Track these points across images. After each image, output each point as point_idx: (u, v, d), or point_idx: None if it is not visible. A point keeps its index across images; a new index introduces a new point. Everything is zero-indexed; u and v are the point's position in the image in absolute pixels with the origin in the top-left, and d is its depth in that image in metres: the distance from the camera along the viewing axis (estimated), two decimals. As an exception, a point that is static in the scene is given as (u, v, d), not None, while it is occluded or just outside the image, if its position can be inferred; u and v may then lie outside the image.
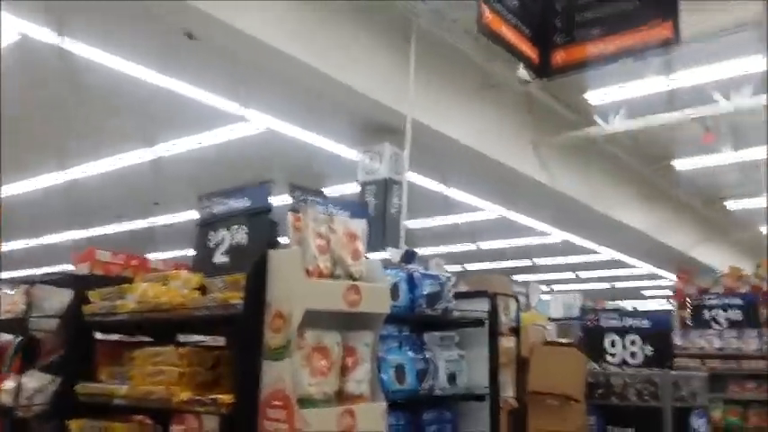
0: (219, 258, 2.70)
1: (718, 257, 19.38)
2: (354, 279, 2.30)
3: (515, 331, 3.96)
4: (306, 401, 2.07)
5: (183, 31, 7.03)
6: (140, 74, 8.10)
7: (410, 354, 2.99)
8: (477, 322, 3.37)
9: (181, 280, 2.67)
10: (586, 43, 5.70)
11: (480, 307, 3.39)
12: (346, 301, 2.21)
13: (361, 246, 2.39)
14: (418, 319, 3.15)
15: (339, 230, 2.32)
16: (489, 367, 3.34)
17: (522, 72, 6.52)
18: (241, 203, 2.72)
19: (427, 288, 3.17)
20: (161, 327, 2.74)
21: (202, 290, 2.57)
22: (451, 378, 3.20)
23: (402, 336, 3.02)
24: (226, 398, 2.13)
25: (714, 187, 17.21)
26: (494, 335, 3.37)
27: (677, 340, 8.30)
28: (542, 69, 6.02)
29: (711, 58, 9.93)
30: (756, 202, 17.18)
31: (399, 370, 2.84)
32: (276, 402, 2.03)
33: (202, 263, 2.77)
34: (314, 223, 2.26)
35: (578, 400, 4.90)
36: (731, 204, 17.72)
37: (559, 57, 5.85)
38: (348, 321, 2.30)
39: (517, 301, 4.03)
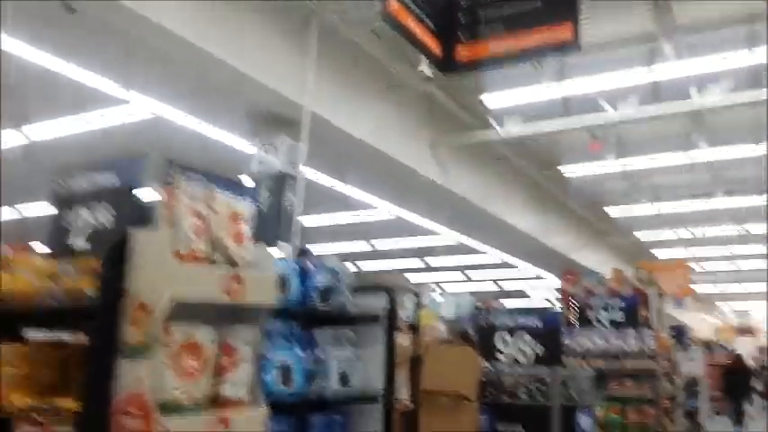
0: (78, 243, 2.32)
1: (596, 260, 20.39)
2: (236, 266, 2.00)
3: (413, 328, 3.77)
4: (169, 407, 1.76)
5: (61, 3, 6.39)
6: (11, 47, 7.33)
7: (299, 352, 2.70)
8: (374, 318, 3.14)
9: (30, 267, 2.27)
10: (489, 41, 5.66)
11: (377, 303, 3.17)
12: (225, 291, 1.91)
13: (246, 229, 2.09)
14: (310, 314, 2.87)
15: (221, 210, 2.02)
16: (385, 367, 3.12)
17: (425, 67, 6.41)
18: (107, 180, 2.35)
19: (321, 281, 2.89)
20: (3, 321, 2.32)
21: (54, 278, 2.19)
22: (344, 379, 2.95)
23: (291, 332, 2.73)
24: (72, 404, 1.78)
25: (597, 194, 18.03)
26: (391, 332, 3.15)
27: (564, 340, 8.49)
28: (445, 64, 5.92)
29: (601, 67, 10.32)
30: (635, 210, 18.18)
31: (286, 370, 2.55)
32: (132, 409, 1.70)
33: (58, 248, 2.38)
34: (190, 200, 1.94)
35: (471, 400, 4.81)
36: (612, 211, 18.64)
37: (463, 53, 5.78)
38: (227, 315, 1.99)
39: (416, 296, 3.84)
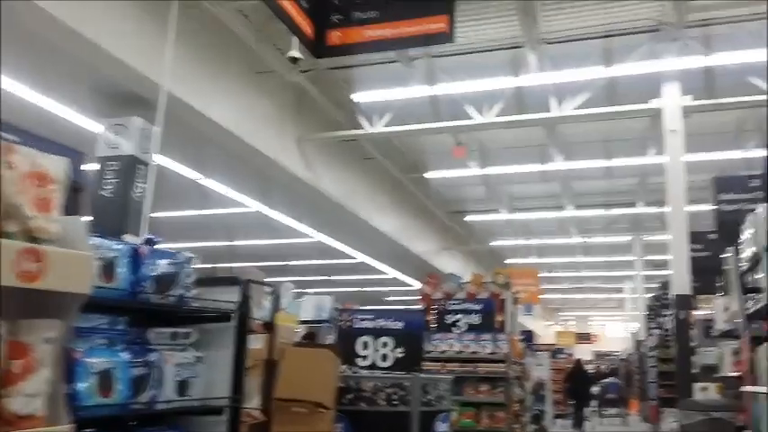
0: None
1: (455, 267, 20.84)
2: (37, 240, 1.53)
3: (268, 328, 3.35)
4: None
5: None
6: None
7: (124, 355, 2.19)
8: (223, 316, 2.70)
9: None
10: (363, 26, 5.40)
11: (228, 297, 2.73)
12: (17, 272, 1.44)
13: (56, 194, 1.62)
14: (142, 308, 2.37)
15: (21, 166, 1.54)
16: (233, 372, 2.69)
17: (295, 50, 6.03)
18: None
19: (158, 268, 2.40)
20: None
21: None
22: (182, 387, 2.49)
23: (115, 331, 2.21)
24: None
25: (458, 200, 18.46)
26: (243, 332, 2.73)
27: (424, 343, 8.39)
28: (317, 47, 5.58)
29: (469, 73, 10.45)
30: (492, 217, 18.82)
31: (105, 377, 2.05)
32: None
33: None
34: (-28, 150, 1.44)
35: (328, 407, 4.46)
36: (470, 218, 19.18)
37: (335, 36, 5.47)
38: (20, 304, 1.51)
39: (273, 293, 3.43)
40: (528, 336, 14.03)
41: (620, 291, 30.81)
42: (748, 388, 5.15)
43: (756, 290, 4.68)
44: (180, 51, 7.54)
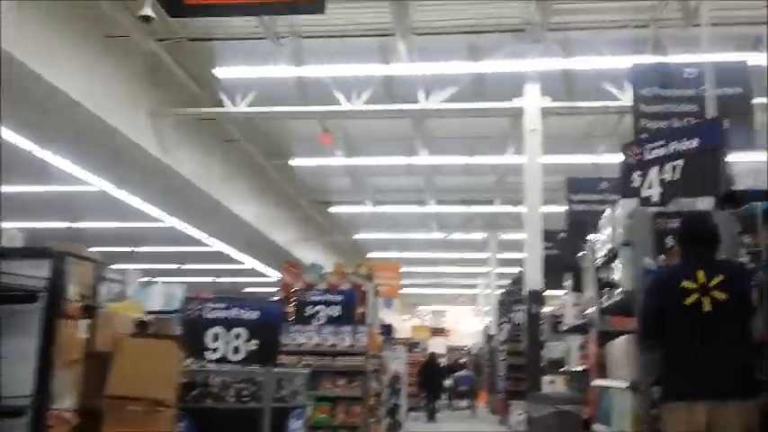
0: None
1: (317, 259, 20.52)
2: None
3: (89, 313, 2.81)
4: None
5: None
6: None
7: None
8: (28, 296, 2.19)
9: None
10: (227, -14, 4.92)
11: (35, 272, 2.21)
12: None
13: None
14: None
15: None
16: (38, 365, 2.19)
17: (147, 7, 5.40)
18: None
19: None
20: None
21: None
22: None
23: None
24: None
25: (323, 190, 18.16)
26: (52, 316, 2.22)
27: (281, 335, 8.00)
28: (172, 6, 5.01)
29: (339, 58, 10.16)
30: (356, 209, 18.69)
31: None
32: None
33: None
34: None
35: (168, 405, 3.97)
36: (334, 209, 18.94)
37: (195, -6, 4.93)
38: None
39: (99, 269, 2.89)
40: (387, 329, 13.98)
41: (474, 287, 31.91)
42: (598, 382, 5.26)
43: (611, 285, 4.75)
44: (19, 6, 6.62)
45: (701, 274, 3.37)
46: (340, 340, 8.11)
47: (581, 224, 9.86)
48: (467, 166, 15.36)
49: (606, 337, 6.03)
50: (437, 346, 31.07)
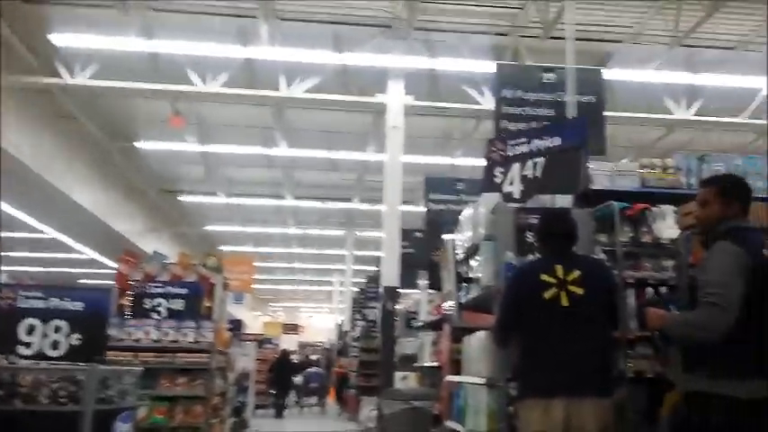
0: None
1: (162, 250, 19.34)
2: None
3: None
4: None
5: None
6: None
7: None
8: None
9: None
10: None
11: None
12: None
13: None
14: None
15: None
16: None
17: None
18: None
19: None
20: None
21: None
22: None
23: None
24: None
25: (172, 178, 17.10)
26: None
27: (112, 331, 7.26)
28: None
29: (195, 36, 9.48)
30: (209, 200, 17.77)
31: None
32: None
33: None
34: None
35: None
36: (184, 198, 17.89)
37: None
38: None
39: None
40: (236, 325, 13.35)
41: (329, 284, 31.79)
42: (451, 378, 5.15)
43: (470, 280, 4.65)
44: None
45: (559, 269, 3.29)
46: (182, 336, 7.49)
47: (438, 223, 9.94)
48: (327, 161, 15.10)
49: (461, 332, 5.99)
50: (290, 342, 30.63)
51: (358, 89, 10.76)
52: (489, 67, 9.20)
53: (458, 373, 6.31)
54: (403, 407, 6.44)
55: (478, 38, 10.07)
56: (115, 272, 7.77)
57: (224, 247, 23.80)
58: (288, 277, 32.69)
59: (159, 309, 7.64)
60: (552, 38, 9.45)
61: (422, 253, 10.78)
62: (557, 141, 4.51)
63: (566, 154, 4.40)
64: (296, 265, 29.07)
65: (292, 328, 36.11)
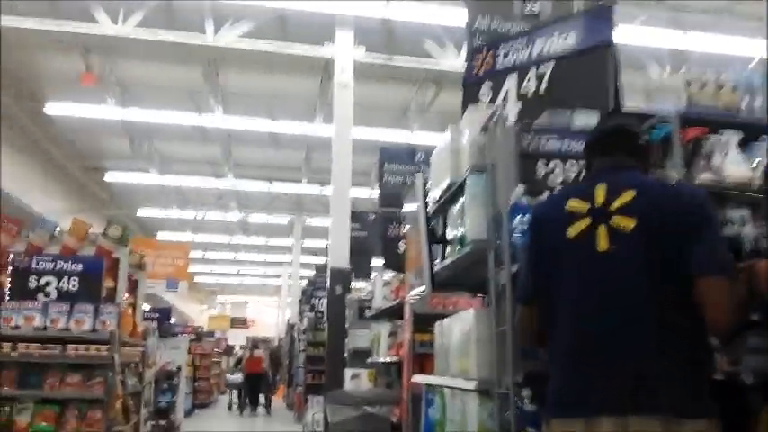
0: None
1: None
2: None
3: None
4: None
5: None
6: None
7: None
8: None
9: None
10: None
11: None
12: None
13: None
14: None
15: None
16: None
17: None
18: None
19: None
20: None
21: None
22: None
23: None
24: None
25: (96, 153, 15.29)
26: None
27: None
28: None
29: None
30: (139, 178, 15.96)
31: None
32: None
33: None
34: None
35: None
36: (111, 176, 16.03)
37: None
38: None
39: None
40: (164, 314, 11.78)
41: (278, 276, 30.32)
42: (419, 378, 3.80)
43: (445, 242, 3.31)
44: None
45: (600, 190, 1.94)
46: (76, 323, 5.95)
47: (395, 197, 8.62)
48: (269, 135, 13.59)
49: (429, 319, 4.67)
50: (238, 337, 29.10)
51: (300, 39, 9.28)
52: (453, 14, 7.91)
53: (423, 370, 4.97)
54: (353, 413, 5.04)
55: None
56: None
57: (161, 235, 21.96)
58: (233, 269, 30.98)
59: (47, 289, 6.09)
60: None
61: (375, 237, 9.51)
62: (571, 41, 3.19)
63: (585, 57, 3.09)
64: (242, 255, 27.38)
65: (241, 323, 34.56)
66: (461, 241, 2.92)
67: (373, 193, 15.65)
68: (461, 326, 2.89)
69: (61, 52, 9.53)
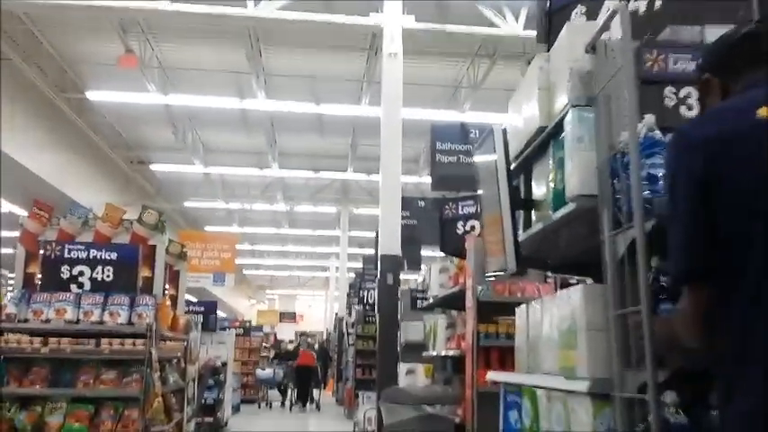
0: None
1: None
2: None
3: None
4: None
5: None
6: None
7: None
8: None
9: None
10: None
11: None
12: None
13: None
14: None
15: None
16: None
17: None
18: None
19: None
20: None
21: None
22: None
23: None
24: None
25: (140, 144, 15.05)
26: None
27: (10, 308, 5.31)
28: None
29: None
30: (184, 169, 15.66)
31: None
32: None
33: None
34: None
35: None
36: (157, 167, 15.77)
37: None
38: None
39: None
40: (210, 307, 11.38)
41: (326, 270, 29.95)
42: (495, 375, 3.15)
43: (531, 204, 2.65)
44: None
45: None
46: (111, 316, 5.50)
47: (448, 180, 7.98)
48: (316, 120, 13.08)
49: (494, 308, 4.08)
50: (286, 331, 28.90)
51: (346, 11, 8.70)
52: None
53: (489, 366, 4.33)
54: (412, 413, 4.41)
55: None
56: (20, 230, 5.74)
57: (208, 228, 21.76)
58: (281, 262, 30.75)
59: (80, 279, 5.66)
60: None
61: (425, 225, 8.91)
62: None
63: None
64: (289, 247, 27.06)
65: (290, 317, 34.32)
66: (557, 199, 2.26)
67: (422, 181, 15.11)
68: (562, 310, 2.23)
69: (100, 34, 9.17)
